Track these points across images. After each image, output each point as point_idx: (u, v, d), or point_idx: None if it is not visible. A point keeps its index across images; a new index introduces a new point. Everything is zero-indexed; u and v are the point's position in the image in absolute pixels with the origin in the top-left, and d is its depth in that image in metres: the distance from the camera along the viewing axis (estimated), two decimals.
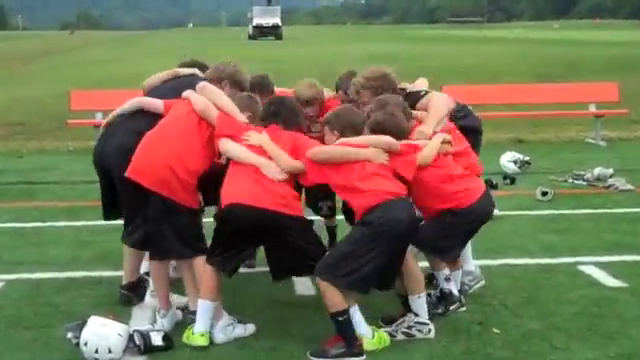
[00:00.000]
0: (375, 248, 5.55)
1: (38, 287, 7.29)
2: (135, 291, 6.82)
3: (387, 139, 5.95)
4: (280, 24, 69.62)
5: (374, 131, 6.07)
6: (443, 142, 6.20)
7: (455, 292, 6.53)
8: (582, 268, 7.75)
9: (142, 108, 6.55)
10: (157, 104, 6.46)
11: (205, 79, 6.62)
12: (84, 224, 9.77)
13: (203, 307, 5.90)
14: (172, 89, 6.59)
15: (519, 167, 13.03)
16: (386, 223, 5.55)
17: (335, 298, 5.59)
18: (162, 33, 70.22)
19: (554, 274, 7.58)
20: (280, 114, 6.20)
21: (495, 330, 6.15)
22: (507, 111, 18.33)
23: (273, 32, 67.06)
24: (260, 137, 6.01)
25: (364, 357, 5.63)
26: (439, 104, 6.59)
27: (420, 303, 6.05)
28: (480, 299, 6.80)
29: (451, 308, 6.44)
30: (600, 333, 6.08)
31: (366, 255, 5.55)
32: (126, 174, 6.04)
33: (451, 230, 6.19)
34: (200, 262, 6.02)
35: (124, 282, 6.85)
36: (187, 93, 6.32)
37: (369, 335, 5.77)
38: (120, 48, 51.58)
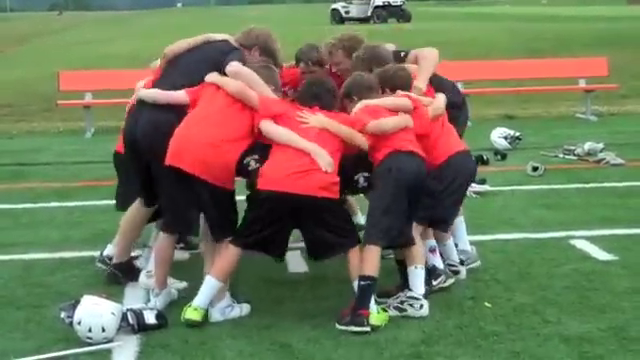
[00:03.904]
0: (390, 195, 5.83)
1: (30, 268, 7.29)
2: (124, 271, 6.80)
3: (404, 101, 6.15)
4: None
5: (383, 83, 6.24)
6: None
7: (439, 265, 6.49)
8: (573, 242, 7.78)
9: (160, 102, 6.21)
10: (179, 97, 6.15)
11: (236, 47, 6.39)
12: (75, 204, 9.76)
13: (209, 283, 5.87)
14: (200, 61, 6.29)
15: (510, 143, 13.06)
16: (398, 170, 5.82)
17: (375, 263, 5.77)
18: (151, 13, 69.74)
19: (545, 248, 7.61)
20: (321, 96, 6.14)
21: (487, 304, 6.17)
22: (497, 87, 18.35)
23: (399, 13, 50.49)
24: (319, 118, 5.94)
25: (366, 328, 5.64)
26: (429, 57, 6.68)
27: (417, 274, 6.05)
28: (472, 274, 6.82)
29: (434, 283, 6.34)
30: (591, 306, 6.10)
31: (385, 202, 5.83)
32: (166, 162, 5.87)
33: (439, 195, 6.22)
34: (225, 244, 5.97)
35: (115, 261, 6.85)
36: (211, 78, 6.10)
37: (374, 310, 5.80)
38: (108, 28, 51.30)
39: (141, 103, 6.32)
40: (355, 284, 5.83)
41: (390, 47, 7.07)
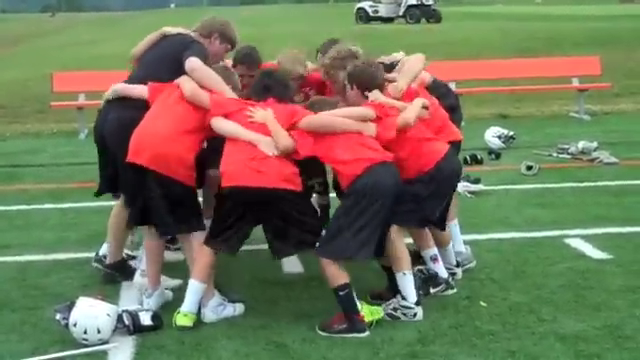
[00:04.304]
0: (365, 214, 5.62)
1: (25, 270, 7.28)
2: (119, 270, 6.84)
3: (361, 110, 5.97)
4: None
5: (351, 79, 6.10)
6: (423, 107, 6.14)
7: (442, 274, 6.45)
8: (568, 241, 7.80)
9: (124, 96, 6.45)
10: (141, 91, 6.33)
11: (193, 39, 6.51)
12: (70, 206, 9.75)
13: (192, 287, 5.90)
14: (158, 57, 6.49)
15: (504, 142, 13.07)
16: (373, 187, 5.62)
17: (336, 272, 5.67)
18: (145, 14, 69.66)
19: (540, 247, 7.62)
20: (272, 88, 6.17)
21: (482, 304, 6.18)
22: (490, 86, 18.36)
23: (430, 13, 47.71)
24: (265, 114, 5.94)
25: (367, 333, 5.64)
26: (412, 60, 6.59)
27: (406, 281, 5.99)
28: (467, 273, 6.83)
29: (432, 291, 6.32)
30: (586, 305, 6.12)
31: (359, 222, 5.62)
32: (127, 158, 5.99)
33: (425, 199, 6.10)
34: (196, 241, 6.02)
35: (108, 261, 6.88)
36: (178, 80, 6.17)
37: (360, 308, 5.77)
38: (102, 29, 51.22)
39: (109, 101, 6.56)
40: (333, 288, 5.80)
41: (399, 57, 6.97)
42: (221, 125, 5.98)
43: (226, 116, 6.00)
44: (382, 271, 6.29)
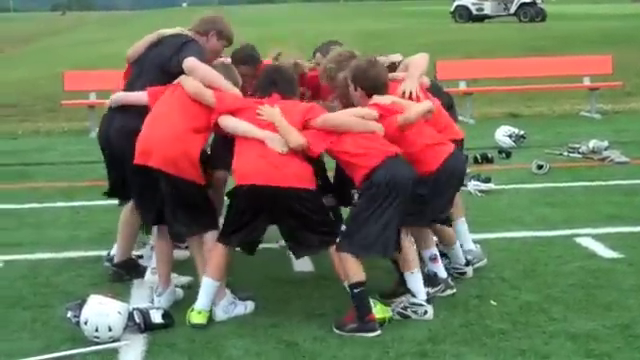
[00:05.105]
0: (389, 209, 5.66)
1: (36, 268, 7.30)
2: (127, 268, 6.87)
3: (366, 111, 5.98)
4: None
5: (355, 80, 6.10)
6: (429, 111, 6.12)
7: (441, 274, 6.40)
8: (578, 240, 7.78)
9: (124, 104, 6.45)
10: (140, 97, 6.33)
11: (190, 39, 6.49)
12: (81, 204, 9.78)
13: (206, 285, 5.90)
14: (154, 59, 6.46)
15: (514, 141, 13.04)
16: (392, 180, 5.65)
17: (355, 269, 5.69)
18: (156, 13, 69.81)
19: (551, 246, 7.61)
20: (278, 83, 6.15)
21: (493, 302, 6.18)
22: (501, 85, 18.34)
23: (538, 11, 44.49)
24: (272, 111, 5.92)
25: (378, 332, 5.64)
26: (418, 59, 6.61)
27: (415, 279, 6.01)
28: (477, 272, 6.82)
29: (431, 291, 6.21)
30: (597, 304, 6.10)
31: (383, 218, 5.66)
32: (134, 161, 6.00)
33: (430, 199, 6.10)
34: (210, 239, 6.02)
35: (116, 260, 6.90)
36: (179, 79, 6.15)
37: (372, 307, 5.78)
38: (113, 28, 51.36)
39: (111, 109, 6.58)
40: (346, 284, 5.83)
41: (396, 58, 7.01)
42: (231, 123, 5.97)
43: (232, 113, 5.99)
44: (388, 271, 6.28)
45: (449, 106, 6.98)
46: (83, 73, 18.65)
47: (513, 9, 44.93)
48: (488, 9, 45.80)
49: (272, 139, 5.80)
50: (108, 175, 6.83)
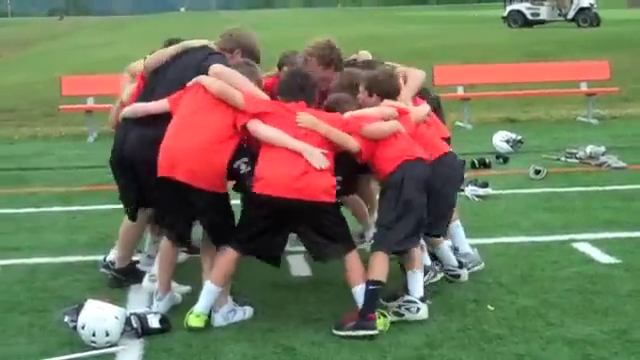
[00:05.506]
0: (415, 207, 5.86)
1: (34, 272, 7.29)
2: (127, 274, 6.84)
3: (390, 110, 6.13)
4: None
5: (371, 87, 6.25)
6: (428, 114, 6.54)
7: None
8: (576, 245, 7.78)
9: (144, 115, 6.25)
10: (161, 106, 6.15)
11: (217, 52, 6.37)
12: (78, 209, 9.77)
13: (208, 289, 5.87)
14: (182, 71, 6.21)
15: (512, 146, 13.04)
16: (412, 177, 5.85)
17: (383, 268, 5.80)
18: (153, 17, 69.86)
19: (548, 251, 7.61)
20: (305, 89, 6.05)
21: (490, 307, 6.18)
22: (498, 91, 18.37)
23: (593, 16, 43.86)
24: (312, 118, 5.84)
25: (375, 331, 5.64)
26: (416, 74, 6.78)
27: (415, 278, 6.06)
28: (474, 277, 6.83)
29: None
30: (594, 309, 6.11)
31: (412, 215, 5.85)
32: (159, 174, 5.85)
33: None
34: (221, 247, 5.97)
35: (117, 266, 6.87)
36: (197, 79, 6.01)
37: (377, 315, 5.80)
38: (110, 33, 51.43)
39: (125, 120, 6.41)
40: (354, 290, 5.82)
41: (365, 55, 7.17)
42: (262, 130, 5.82)
43: (259, 116, 5.85)
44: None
45: (436, 107, 7.09)
46: (81, 78, 18.61)
47: (571, 14, 44.08)
48: (544, 14, 45.20)
49: (311, 153, 5.69)
50: (125, 198, 6.64)
